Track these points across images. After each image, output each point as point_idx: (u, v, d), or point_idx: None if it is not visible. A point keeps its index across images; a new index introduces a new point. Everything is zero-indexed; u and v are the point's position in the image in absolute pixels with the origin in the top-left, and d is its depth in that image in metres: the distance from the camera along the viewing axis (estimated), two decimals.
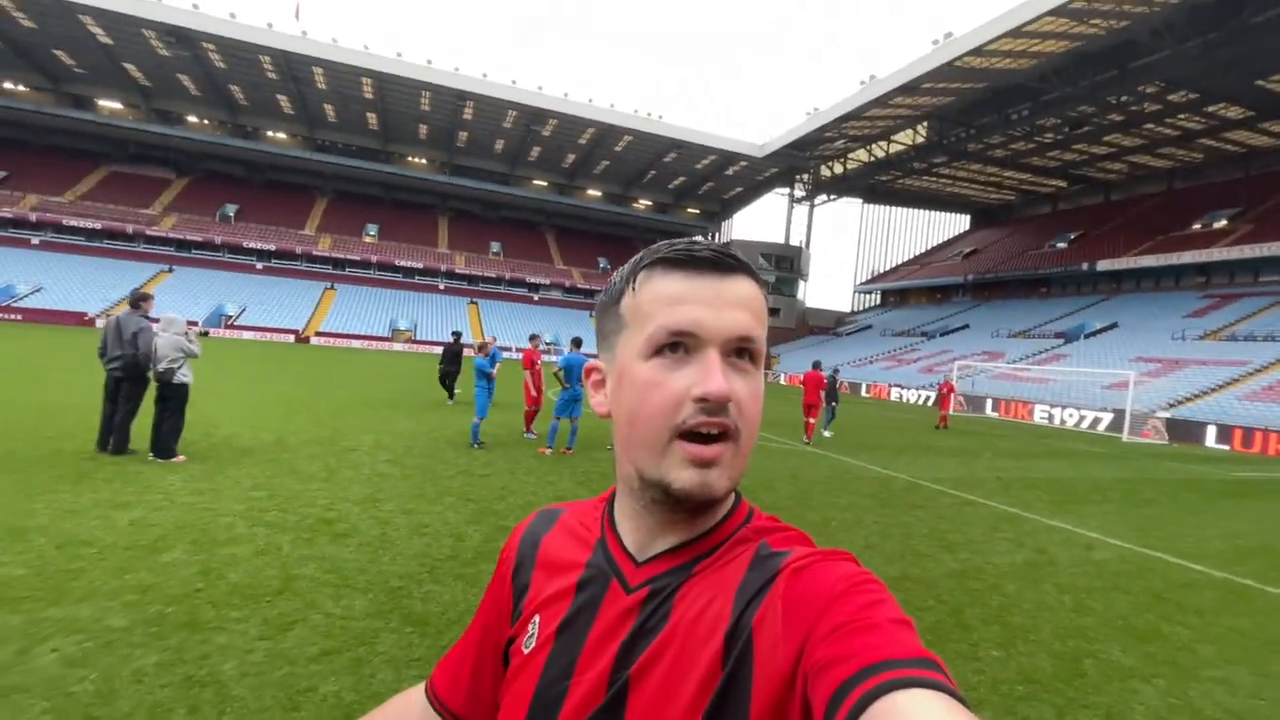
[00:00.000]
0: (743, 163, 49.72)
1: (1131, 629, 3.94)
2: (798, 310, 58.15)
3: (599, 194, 59.28)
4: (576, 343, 8.37)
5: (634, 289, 0.58)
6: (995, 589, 4.45)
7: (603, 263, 60.04)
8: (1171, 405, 22.08)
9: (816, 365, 12.16)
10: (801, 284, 58.24)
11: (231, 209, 49.74)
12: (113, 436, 6.03)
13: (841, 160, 49.59)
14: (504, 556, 0.71)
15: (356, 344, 41.63)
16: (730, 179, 54.85)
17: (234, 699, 2.41)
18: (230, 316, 40.99)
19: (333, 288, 49.01)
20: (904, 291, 57.12)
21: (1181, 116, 35.46)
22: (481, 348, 8.36)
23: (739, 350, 0.55)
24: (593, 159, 52.92)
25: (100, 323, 35.26)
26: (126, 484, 5.18)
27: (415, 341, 43.78)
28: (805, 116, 41.69)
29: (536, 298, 55.25)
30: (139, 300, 6.16)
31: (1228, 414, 20.34)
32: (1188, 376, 24.43)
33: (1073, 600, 4.37)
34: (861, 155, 47.56)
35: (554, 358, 11.58)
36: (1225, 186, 39.77)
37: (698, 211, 62.15)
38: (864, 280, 63.55)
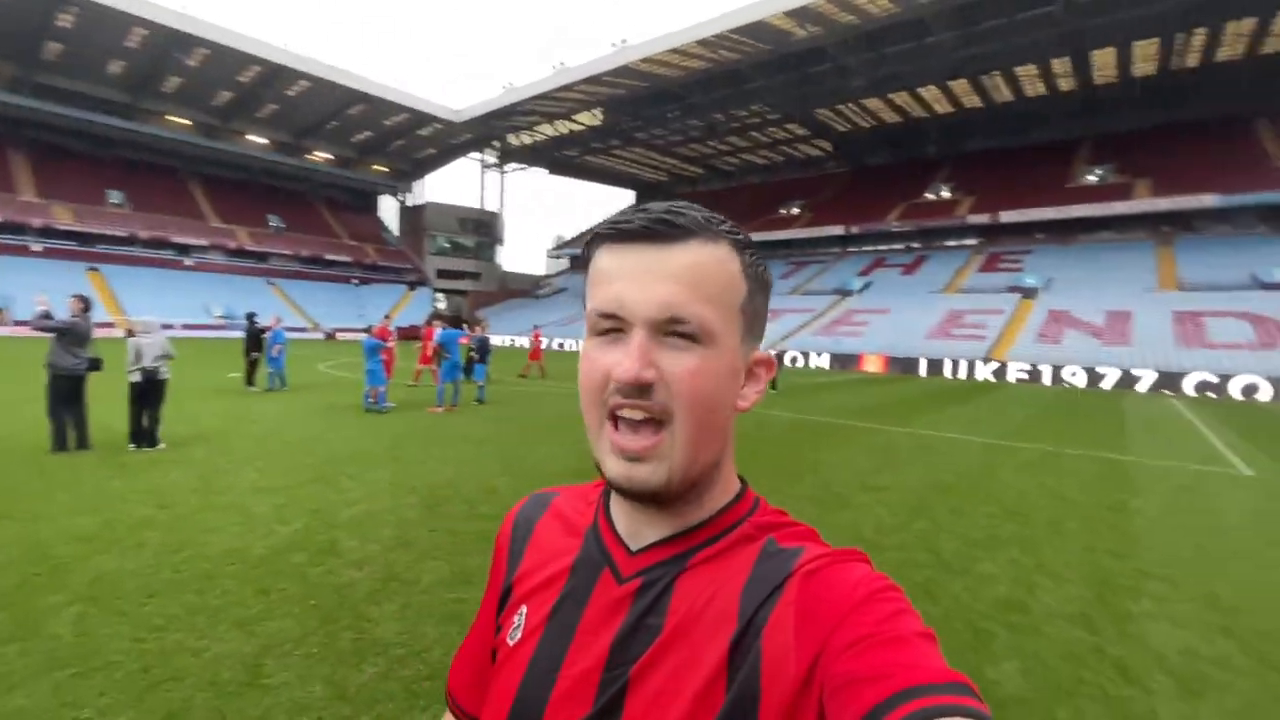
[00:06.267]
0: (437, 125, 49.26)
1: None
2: (498, 274, 60.90)
3: (264, 141, 51.34)
4: (455, 321, 10.20)
5: (589, 267, 0.56)
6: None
7: (274, 220, 52.67)
8: (779, 342, 32.26)
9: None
10: (500, 248, 60.95)
11: None
12: (76, 432, 6.08)
13: (530, 132, 53.18)
14: (498, 544, 0.69)
15: None
16: (423, 140, 53.51)
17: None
18: None
19: None
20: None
21: (771, 129, 49.00)
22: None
23: (672, 331, 0.51)
24: (256, 100, 45.70)
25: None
26: (178, 467, 5.76)
27: (12, 324, 33.04)
28: (502, 90, 43.79)
29: (189, 262, 45.97)
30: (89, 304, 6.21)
31: (805, 345, 30.91)
32: (784, 321, 35.53)
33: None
34: (547, 129, 51.95)
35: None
36: (796, 183, 55.92)
37: (387, 170, 58.83)
38: (553, 246, 69.40)
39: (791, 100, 40.45)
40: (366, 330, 10.08)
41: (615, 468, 0.52)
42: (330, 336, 43.79)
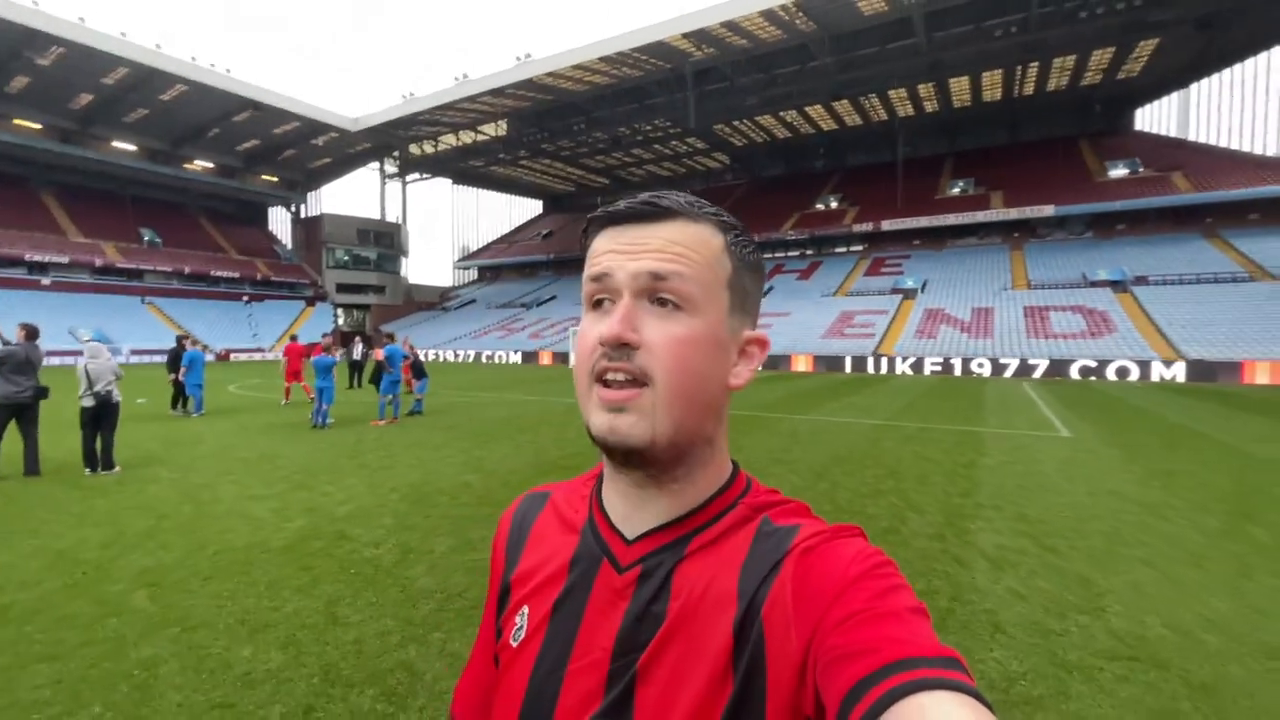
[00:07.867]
0: (333, 134, 47.37)
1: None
2: (403, 287, 59.09)
3: (133, 148, 47.14)
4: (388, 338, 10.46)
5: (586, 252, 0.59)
6: None
7: (148, 235, 48.45)
8: None
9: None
10: (404, 260, 59.20)
11: None
12: (26, 459, 6.02)
13: (433, 142, 52.34)
14: (495, 545, 0.70)
15: None
16: (317, 149, 51.21)
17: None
18: None
19: None
20: (498, 268, 64.15)
21: (674, 143, 51.27)
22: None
23: (657, 297, 0.54)
24: (123, 104, 42.00)
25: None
26: (150, 485, 5.88)
27: None
28: (402, 99, 42.95)
29: (47, 281, 41.39)
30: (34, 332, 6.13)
31: None
32: None
33: None
34: (451, 140, 51.37)
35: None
36: (698, 194, 56.33)
37: (276, 180, 55.61)
38: (460, 257, 68.20)
39: (689, 115, 42.69)
40: (325, 349, 10.36)
41: (600, 421, 0.53)
42: (223, 358, 40.95)
